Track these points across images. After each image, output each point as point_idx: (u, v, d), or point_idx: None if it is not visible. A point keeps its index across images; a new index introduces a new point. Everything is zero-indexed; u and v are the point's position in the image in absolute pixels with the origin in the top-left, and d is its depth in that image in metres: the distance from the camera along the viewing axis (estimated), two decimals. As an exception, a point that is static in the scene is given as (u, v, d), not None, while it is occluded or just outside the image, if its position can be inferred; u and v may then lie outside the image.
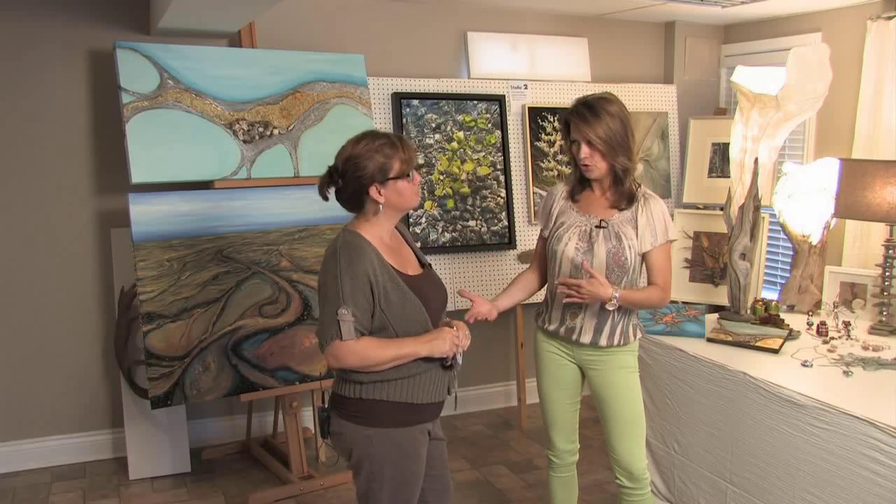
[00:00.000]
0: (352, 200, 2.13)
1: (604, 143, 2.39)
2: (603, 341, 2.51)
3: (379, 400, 2.09)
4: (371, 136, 2.11)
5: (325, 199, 2.14)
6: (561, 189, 2.62)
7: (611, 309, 2.42)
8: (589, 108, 2.41)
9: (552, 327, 2.58)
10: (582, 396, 2.70)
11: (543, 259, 2.65)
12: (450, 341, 2.10)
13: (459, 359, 2.17)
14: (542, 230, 2.65)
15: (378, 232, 2.13)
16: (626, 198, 2.49)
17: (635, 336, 2.57)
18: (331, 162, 2.13)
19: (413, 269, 2.20)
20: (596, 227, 2.49)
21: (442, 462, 2.32)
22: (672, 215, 3.61)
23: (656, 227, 2.48)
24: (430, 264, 2.29)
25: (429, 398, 2.15)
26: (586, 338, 2.52)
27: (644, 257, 2.50)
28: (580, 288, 2.38)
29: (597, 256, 2.46)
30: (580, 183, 2.56)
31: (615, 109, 2.42)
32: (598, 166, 2.44)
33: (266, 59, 3.64)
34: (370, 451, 2.10)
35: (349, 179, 2.08)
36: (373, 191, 2.08)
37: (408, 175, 2.10)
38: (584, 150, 2.43)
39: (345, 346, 2.01)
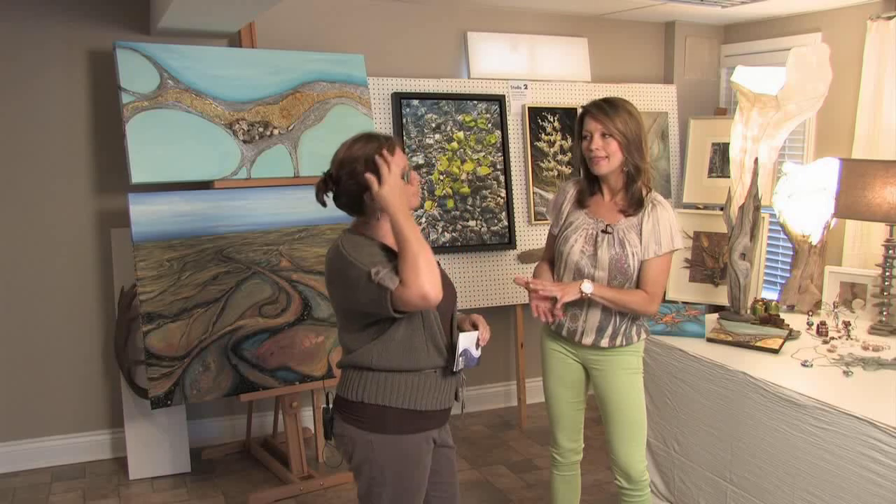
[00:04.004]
0: (350, 205, 2.08)
1: (621, 134, 2.41)
2: (605, 342, 2.51)
3: (382, 405, 2.05)
4: (365, 138, 2.06)
5: (324, 205, 2.09)
6: (572, 186, 2.62)
7: (587, 291, 2.39)
8: (608, 103, 2.45)
9: (554, 327, 2.60)
10: (587, 397, 2.70)
11: (553, 254, 2.65)
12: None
13: (476, 353, 2.11)
14: (551, 227, 2.66)
15: (380, 235, 2.09)
16: (635, 202, 2.49)
17: (639, 337, 2.56)
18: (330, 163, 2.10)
19: None
20: (602, 231, 2.49)
21: (450, 470, 2.27)
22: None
23: (661, 236, 2.46)
24: (437, 263, 2.25)
25: (434, 405, 2.11)
26: (588, 339, 2.53)
27: (642, 264, 2.49)
28: (544, 289, 2.40)
29: (600, 261, 2.47)
30: (589, 187, 2.56)
31: (634, 111, 2.47)
32: (611, 158, 2.44)
33: (266, 59, 3.64)
34: (371, 456, 2.07)
35: (345, 184, 2.04)
36: (369, 195, 2.03)
37: (403, 178, 2.06)
38: (597, 141, 2.43)
39: (403, 290, 1.91)
